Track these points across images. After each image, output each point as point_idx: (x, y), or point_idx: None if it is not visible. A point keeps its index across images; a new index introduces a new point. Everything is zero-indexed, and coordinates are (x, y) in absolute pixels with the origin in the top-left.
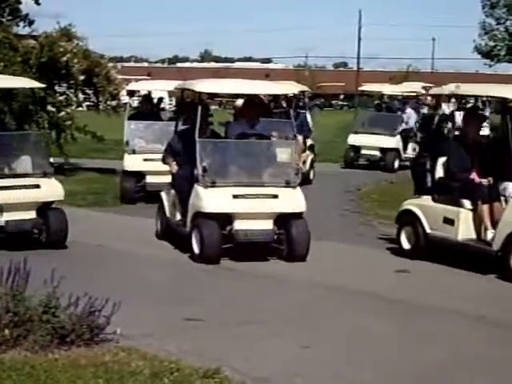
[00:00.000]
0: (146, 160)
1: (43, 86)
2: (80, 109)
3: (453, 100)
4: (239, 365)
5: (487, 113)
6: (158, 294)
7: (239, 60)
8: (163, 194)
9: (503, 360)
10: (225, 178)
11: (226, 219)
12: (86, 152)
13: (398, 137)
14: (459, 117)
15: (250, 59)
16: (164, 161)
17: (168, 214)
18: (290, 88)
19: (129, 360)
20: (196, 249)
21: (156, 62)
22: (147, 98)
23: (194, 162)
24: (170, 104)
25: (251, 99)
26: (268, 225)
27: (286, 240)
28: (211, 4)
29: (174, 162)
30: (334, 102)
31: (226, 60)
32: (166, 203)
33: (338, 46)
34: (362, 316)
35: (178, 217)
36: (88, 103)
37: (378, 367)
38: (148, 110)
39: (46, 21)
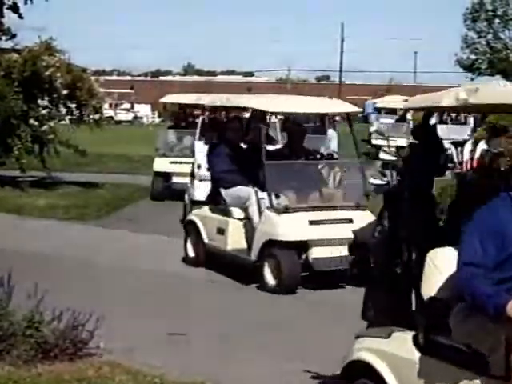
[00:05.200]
0: None
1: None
2: (63, 122)
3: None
4: (224, 379)
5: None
6: (142, 307)
7: (222, 73)
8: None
9: None
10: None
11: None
12: (69, 166)
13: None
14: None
15: (232, 72)
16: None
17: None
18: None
19: (112, 375)
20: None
21: (139, 76)
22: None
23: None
24: (152, 118)
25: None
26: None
27: None
28: (193, 18)
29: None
30: None
31: (209, 73)
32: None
33: (320, 60)
34: None
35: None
36: (70, 117)
37: None
38: None
39: (29, 34)
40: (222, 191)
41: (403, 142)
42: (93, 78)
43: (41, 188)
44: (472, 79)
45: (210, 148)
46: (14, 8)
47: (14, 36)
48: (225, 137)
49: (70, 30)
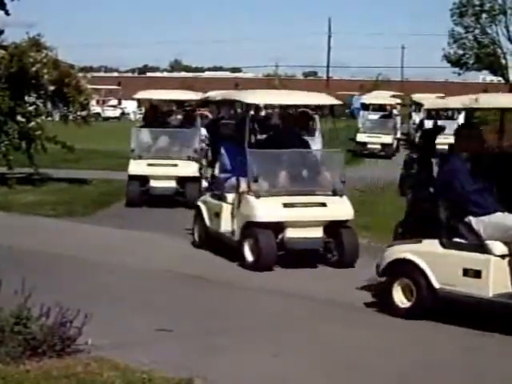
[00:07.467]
0: None
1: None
2: (50, 119)
3: (423, 109)
4: (211, 375)
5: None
6: (130, 304)
7: (209, 69)
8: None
9: None
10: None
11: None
12: (56, 162)
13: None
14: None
15: (220, 68)
16: None
17: None
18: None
19: (100, 371)
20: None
21: (126, 72)
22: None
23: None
24: (139, 114)
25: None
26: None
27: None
28: (181, 14)
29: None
30: None
31: (196, 70)
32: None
33: (308, 55)
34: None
35: None
36: (57, 113)
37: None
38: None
39: (17, 31)
40: (472, 220)
41: (389, 139)
42: (80, 74)
43: (28, 184)
44: (459, 74)
45: (441, 161)
46: (1, 5)
47: (1, 33)
48: (460, 147)
49: (57, 26)
